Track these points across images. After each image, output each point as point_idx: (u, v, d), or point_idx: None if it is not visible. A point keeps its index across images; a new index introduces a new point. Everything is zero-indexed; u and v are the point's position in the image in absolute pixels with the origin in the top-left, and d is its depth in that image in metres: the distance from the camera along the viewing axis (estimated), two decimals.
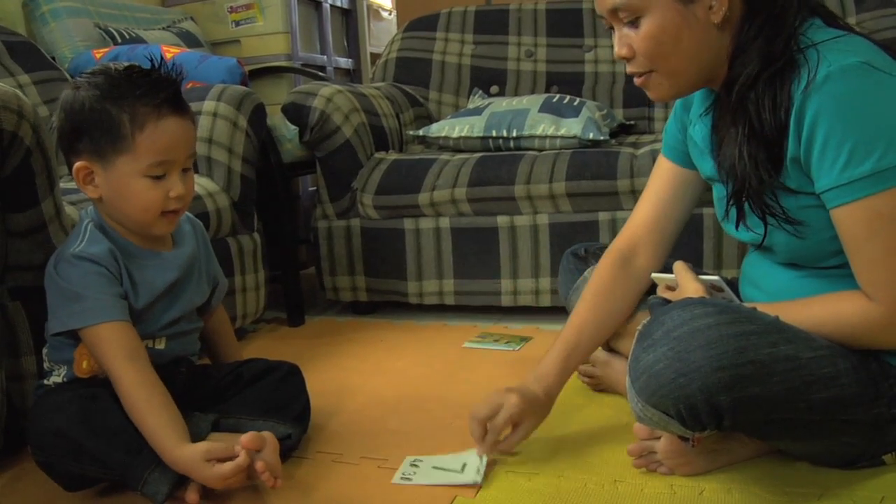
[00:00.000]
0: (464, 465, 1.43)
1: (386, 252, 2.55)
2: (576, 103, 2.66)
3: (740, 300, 1.41)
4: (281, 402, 1.52)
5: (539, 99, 2.71)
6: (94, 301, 1.35)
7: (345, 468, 1.50)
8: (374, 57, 4.26)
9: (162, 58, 1.47)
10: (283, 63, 3.46)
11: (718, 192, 1.39)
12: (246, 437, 1.30)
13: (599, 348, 1.76)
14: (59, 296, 1.37)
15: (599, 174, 2.31)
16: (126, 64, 1.42)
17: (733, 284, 1.58)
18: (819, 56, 1.13)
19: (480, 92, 3.18)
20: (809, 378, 1.15)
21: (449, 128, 2.74)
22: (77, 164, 1.38)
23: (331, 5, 3.91)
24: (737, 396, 1.11)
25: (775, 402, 1.14)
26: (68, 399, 1.35)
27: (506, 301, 2.47)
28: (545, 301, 2.42)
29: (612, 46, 3.20)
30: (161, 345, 1.47)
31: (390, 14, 4.85)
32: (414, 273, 2.53)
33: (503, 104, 2.74)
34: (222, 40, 3.52)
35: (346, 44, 4.17)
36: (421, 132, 2.83)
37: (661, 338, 1.14)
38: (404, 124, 2.96)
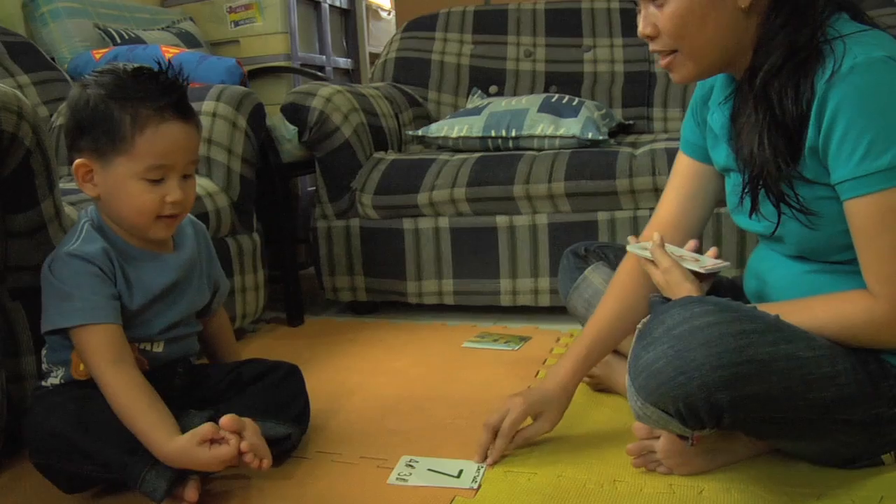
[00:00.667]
0: (461, 472, 1.43)
1: (385, 252, 2.55)
2: (575, 103, 2.67)
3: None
4: (280, 402, 1.52)
5: (538, 99, 2.71)
6: (84, 301, 1.34)
7: (344, 468, 1.50)
8: (373, 57, 4.26)
9: (170, 62, 1.46)
10: (283, 63, 3.46)
11: (732, 182, 1.39)
12: (225, 420, 1.29)
13: None
14: (51, 294, 1.37)
15: (598, 174, 2.31)
16: (135, 65, 1.41)
17: (734, 282, 1.58)
18: (845, 48, 1.13)
19: (479, 92, 3.18)
20: (809, 377, 1.15)
21: (448, 128, 2.74)
22: (77, 162, 1.38)
23: (330, 5, 3.91)
24: (736, 395, 1.11)
25: (775, 401, 1.14)
26: (64, 400, 1.35)
27: (505, 301, 2.47)
28: (544, 301, 2.43)
29: (611, 46, 3.22)
30: (159, 348, 1.47)
31: (389, 14, 4.85)
32: (413, 273, 2.53)
33: (502, 104, 2.74)
34: (221, 40, 3.52)
35: (345, 44, 4.17)
36: (420, 132, 2.84)
37: (661, 336, 1.14)
38: (403, 124, 2.96)
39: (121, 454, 1.29)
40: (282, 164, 2.59)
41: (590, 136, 2.52)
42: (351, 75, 4.17)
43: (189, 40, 3.21)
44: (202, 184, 2.12)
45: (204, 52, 3.10)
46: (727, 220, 2.21)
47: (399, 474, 1.44)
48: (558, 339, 2.24)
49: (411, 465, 1.47)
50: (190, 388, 1.53)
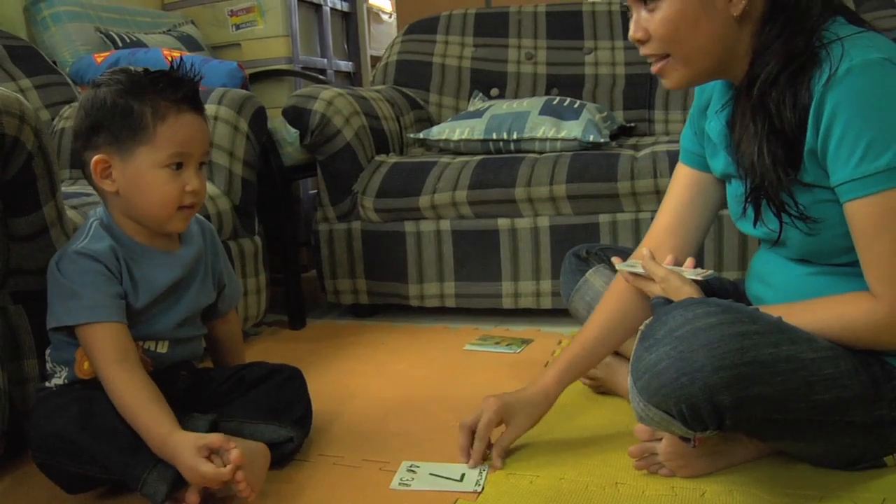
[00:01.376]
0: (463, 475, 1.43)
1: (387, 255, 2.55)
2: (576, 106, 2.67)
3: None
4: (282, 405, 1.52)
5: (539, 101, 2.71)
6: (90, 299, 1.35)
7: (346, 471, 1.50)
8: (375, 60, 4.26)
9: (181, 59, 1.49)
10: (284, 66, 3.46)
11: (734, 190, 1.39)
12: (236, 455, 1.26)
13: None
14: (57, 291, 1.38)
15: (600, 176, 2.31)
16: (144, 67, 1.44)
17: (736, 285, 1.58)
18: (843, 50, 1.13)
19: (481, 94, 3.19)
20: (811, 379, 1.15)
21: (449, 130, 2.75)
22: (95, 157, 1.39)
23: (331, 8, 3.91)
24: (738, 396, 1.11)
25: (777, 403, 1.15)
26: (67, 401, 1.35)
27: (507, 303, 2.47)
28: (546, 303, 2.43)
29: (612, 49, 3.22)
30: (163, 348, 1.47)
31: (390, 17, 4.86)
32: (415, 276, 2.53)
33: (503, 107, 2.74)
34: (223, 44, 3.53)
35: (346, 47, 4.18)
36: (421, 135, 2.84)
37: (664, 337, 1.14)
38: (405, 127, 2.96)
39: (122, 456, 1.29)
40: (283, 167, 2.59)
41: (591, 138, 2.52)
42: (352, 78, 4.17)
43: (190, 44, 3.21)
44: None
45: (205, 56, 3.10)
46: (729, 223, 2.21)
47: (401, 479, 1.44)
48: (560, 342, 2.24)
49: (413, 471, 1.47)
50: (193, 391, 1.53)
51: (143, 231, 1.45)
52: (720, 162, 1.40)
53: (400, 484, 1.43)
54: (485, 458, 1.47)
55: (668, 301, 1.29)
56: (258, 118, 2.30)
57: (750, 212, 1.31)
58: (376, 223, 2.55)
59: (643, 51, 1.29)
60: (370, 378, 2.04)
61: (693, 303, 1.17)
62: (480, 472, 1.43)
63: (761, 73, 1.21)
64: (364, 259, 2.58)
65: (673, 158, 2.07)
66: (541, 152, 2.57)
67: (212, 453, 1.26)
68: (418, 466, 1.48)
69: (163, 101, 1.38)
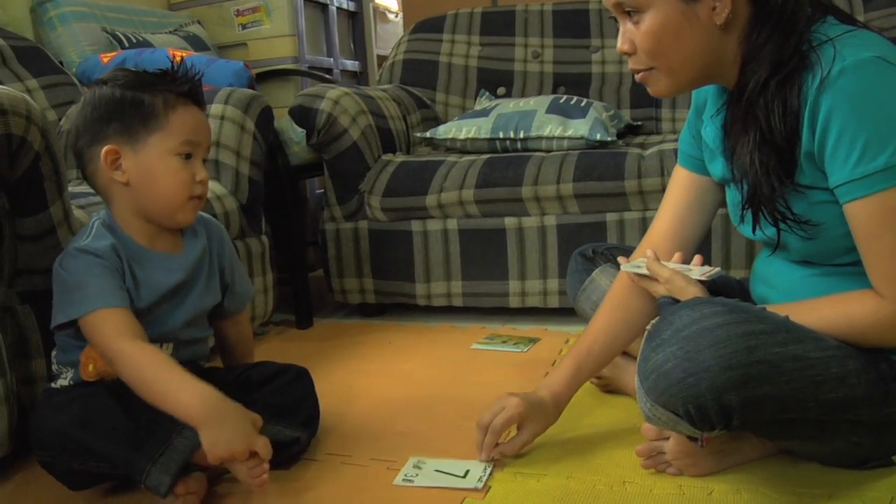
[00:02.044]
0: (467, 472, 1.43)
1: (394, 254, 2.55)
2: (583, 104, 2.66)
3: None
4: (290, 405, 1.52)
5: (546, 100, 2.71)
6: (96, 288, 1.35)
7: (353, 470, 1.50)
8: (381, 59, 4.27)
9: (182, 59, 1.52)
10: (290, 66, 3.46)
11: (732, 195, 1.39)
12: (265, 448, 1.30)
13: None
14: (62, 288, 1.38)
15: (607, 175, 2.30)
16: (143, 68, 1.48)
17: (742, 284, 1.58)
18: (835, 51, 1.12)
19: (487, 93, 3.18)
20: (819, 378, 1.14)
21: (456, 129, 2.74)
22: (106, 148, 1.40)
23: (337, 8, 3.91)
24: (746, 396, 1.11)
25: (784, 402, 1.14)
26: (68, 399, 1.36)
27: (514, 302, 2.47)
28: (553, 302, 2.42)
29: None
30: (168, 351, 1.47)
31: (396, 16, 4.85)
32: (422, 275, 2.53)
33: (510, 105, 2.74)
34: (229, 43, 3.53)
35: (352, 46, 4.18)
36: (428, 134, 2.84)
37: (671, 337, 1.13)
38: (411, 126, 2.96)
39: (125, 450, 1.29)
40: (290, 166, 2.59)
41: (598, 137, 2.52)
42: (359, 77, 4.17)
43: (197, 43, 3.21)
44: (211, 187, 2.11)
45: (212, 56, 3.10)
46: None
47: (406, 475, 1.44)
48: (567, 341, 2.23)
49: (418, 467, 1.47)
50: None
51: (145, 233, 1.46)
52: (718, 167, 1.40)
53: (404, 480, 1.43)
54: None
55: (675, 301, 1.29)
56: (265, 117, 2.30)
57: (748, 218, 1.30)
58: (383, 222, 2.55)
59: (630, 64, 1.29)
60: (377, 377, 2.04)
61: (699, 302, 1.17)
62: (485, 470, 1.43)
63: (750, 81, 1.21)
64: (371, 258, 2.59)
65: None
66: (548, 151, 2.57)
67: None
68: (424, 462, 1.48)
69: (171, 94, 1.42)
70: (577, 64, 3.21)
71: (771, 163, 1.20)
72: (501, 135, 2.65)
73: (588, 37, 3.24)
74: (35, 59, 2.59)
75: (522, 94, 3.17)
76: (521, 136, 2.62)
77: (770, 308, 1.22)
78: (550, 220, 2.38)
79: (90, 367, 1.41)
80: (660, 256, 1.41)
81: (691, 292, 1.31)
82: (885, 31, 2.54)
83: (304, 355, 2.15)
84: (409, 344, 2.33)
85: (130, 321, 1.36)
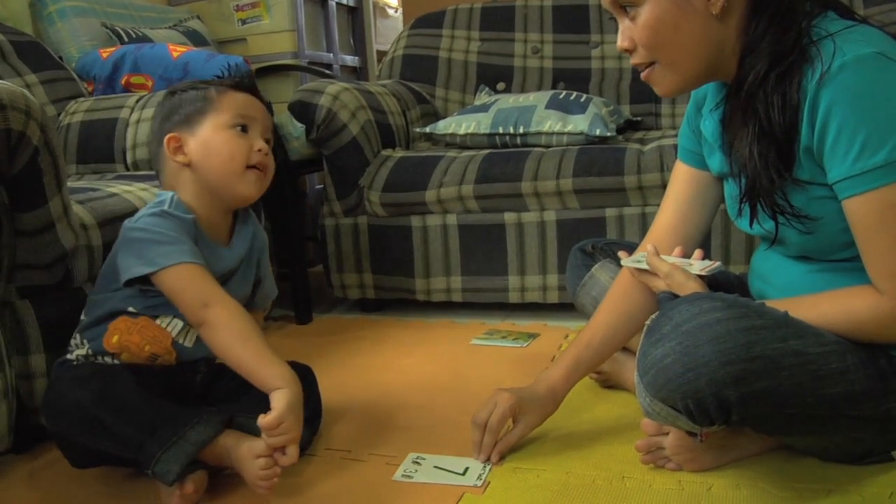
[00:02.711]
0: (466, 469, 1.44)
1: (393, 249, 2.55)
2: (582, 99, 2.66)
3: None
4: None
5: (546, 95, 2.71)
6: (189, 245, 1.40)
7: (353, 465, 1.50)
8: (381, 54, 4.27)
9: (236, 65, 1.67)
10: (290, 61, 3.46)
11: (730, 189, 1.39)
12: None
13: None
14: (147, 242, 1.39)
15: (606, 170, 2.30)
16: None
17: (741, 279, 1.58)
18: (835, 46, 1.12)
19: (487, 89, 3.18)
20: (818, 373, 1.14)
21: (456, 125, 2.74)
22: (168, 136, 1.49)
23: (337, 3, 3.91)
24: (745, 391, 1.11)
25: (784, 397, 1.14)
26: (90, 374, 1.38)
27: (513, 298, 2.47)
28: (552, 297, 2.42)
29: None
30: (190, 342, 1.47)
31: (396, 11, 4.85)
32: (421, 270, 2.53)
33: (510, 101, 2.74)
34: (229, 39, 3.53)
35: (352, 41, 4.18)
36: (428, 129, 2.83)
37: (670, 332, 1.13)
38: (411, 121, 2.96)
39: (139, 433, 1.30)
40: (289, 161, 2.59)
41: (598, 132, 2.52)
42: (358, 73, 4.17)
43: (196, 39, 3.21)
44: None
45: (211, 51, 3.10)
46: None
47: (405, 471, 1.44)
48: (567, 336, 2.24)
49: (417, 462, 1.47)
50: (208, 385, 1.54)
51: (207, 218, 1.49)
52: (716, 161, 1.39)
53: (403, 476, 1.43)
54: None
55: (674, 296, 1.29)
56: None
57: (746, 211, 1.30)
58: (383, 217, 2.55)
59: (632, 60, 1.28)
60: (377, 372, 2.04)
61: (699, 297, 1.16)
62: (484, 467, 1.43)
63: (749, 74, 1.20)
64: (370, 253, 2.59)
65: None
66: (547, 146, 2.57)
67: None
68: (424, 458, 1.49)
69: (223, 86, 1.53)
70: (577, 59, 3.21)
71: (770, 155, 1.19)
72: (501, 130, 2.65)
73: (588, 32, 3.24)
74: (34, 54, 2.59)
75: (522, 90, 3.17)
76: (521, 131, 2.61)
77: (768, 304, 1.22)
78: (550, 216, 2.38)
79: (114, 339, 1.43)
80: (662, 252, 1.41)
81: (691, 287, 1.31)
82: (886, 26, 2.53)
83: (303, 350, 2.15)
84: (409, 339, 2.33)
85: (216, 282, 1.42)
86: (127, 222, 1.44)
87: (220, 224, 1.53)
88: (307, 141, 2.59)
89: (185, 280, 1.38)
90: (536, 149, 2.51)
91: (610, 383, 1.79)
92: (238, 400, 1.52)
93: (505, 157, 2.46)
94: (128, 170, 2.37)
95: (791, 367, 1.12)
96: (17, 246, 1.50)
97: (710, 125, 1.38)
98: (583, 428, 1.60)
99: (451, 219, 2.47)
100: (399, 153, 2.64)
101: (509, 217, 2.42)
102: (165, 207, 1.43)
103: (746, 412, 1.14)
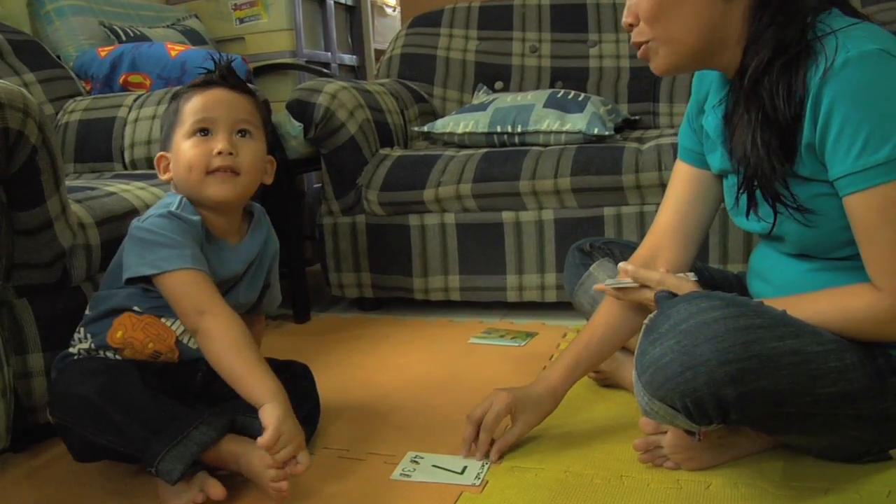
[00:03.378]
0: (464, 468, 1.44)
1: (391, 248, 2.55)
2: (580, 98, 2.66)
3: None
4: (291, 401, 1.52)
5: (544, 94, 2.71)
6: (192, 251, 1.40)
7: (351, 464, 1.50)
8: (379, 53, 4.27)
9: (225, 56, 1.65)
10: (288, 60, 3.46)
11: (729, 184, 1.39)
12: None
13: None
14: (151, 243, 1.40)
15: (604, 169, 2.30)
16: None
17: (739, 278, 1.58)
18: (837, 42, 1.12)
19: (485, 88, 3.18)
20: (816, 372, 1.14)
21: (454, 124, 2.74)
22: (158, 155, 1.52)
23: (335, 2, 3.91)
24: (743, 390, 1.11)
25: (782, 396, 1.14)
26: (98, 368, 1.39)
27: (511, 297, 2.47)
28: (550, 296, 2.43)
29: (616, 41, 3.21)
30: (193, 343, 1.47)
31: (394, 10, 4.85)
32: (419, 269, 2.53)
33: (508, 100, 2.74)
34: (227, 37, 3.53)
35: (350, 40, 4.17)
36: (426, 128, 2.83)
37: (668, 331, 1.13)
38: (409, 120, 2.96)
39: (144, 430, 1.30)
40: (287, 160, 2.58)
41: (595, 131, 2.52)
42: (356, 72, 4.17)
43: (194, 37, 3.21)
44: None
45: (209, 50, 3.10)
46: None
47: (403, 470, 1.44)
48: (564, 335, 2.24)
49: (416, 462, 1.47)
50: (208, 384, 1.54)
51: (212, 221, 1.50)
52: (717, 158, 1.39)
53: (401, 475, 1.43)
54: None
55: (672, 295, 1.29)
56: (262, 112, 2.29)
57: (743, 203, 1.30)
58: (381, 216, 2.55)
59: (633, 37, 1.28)
60: (375, 371, 2.04)
61: (697, 296, 1.16)
62: (482, 466, 1.43)
63: (753, 62, 1.20)
64: (368, 252, 2.58)
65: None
66: (545, 145, 2.57)
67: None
68: (422, 458, 1.49)
69: (193, 89, 1.50)
70: (575, 58, 3.21)
71: (772, 144, 1.19)
72: (499, 129, 2.65)
73: (586, 31, 3.24)
74: (32, 53, 2.59)
75: (520, 89, 3.17)
76: (519, 130, 2.61)
77: (766, 302, 1.22)
78: (548, 215, 2.38)
79: (118, 334, 1.44)
80: (662, 251, 1.43)
81: (687, 287, 1.31)
82: (884, 25, 2.54)
83: (301, 349, 2.15)
84: (407, 338, 2.33)
85: (217, 290, 1.42)
86: (135, 221, 1.45)
87: (226, 225, 1.53)
88: (305, 140, 2.58)
89: (184, 286, 1.38)
90: (534, 148, 2.51)
91: (608, 382, 1.79)
92: (237, 398, 1.52)
93: (503, 156, 2.46)
94: (126, 169, 2.37)
95: (789, 366, 1.12)
96: (15, 245, 1.50)
97: (712, 121, 1.38)
98: (581, 427, 1.60)
99: (449, 218, 2.47)
100: (397, 152, 2.64)
101: (507, 216, 2.42)
102: (173, 209, 1.43)
103: (745, 411, 1.14)
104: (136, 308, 1.44)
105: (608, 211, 2.34)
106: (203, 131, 1.46)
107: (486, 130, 2.67)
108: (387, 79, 3.23)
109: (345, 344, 2.30)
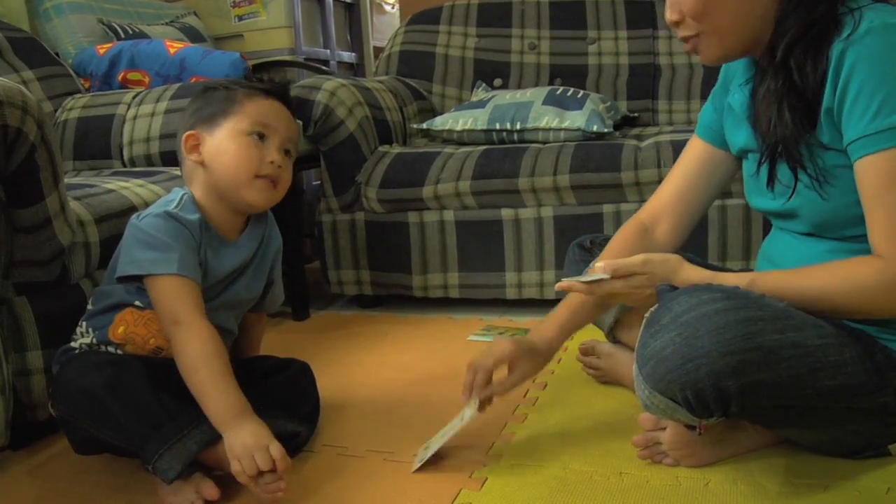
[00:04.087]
0: (462, 416, 1.46)
1: (390, 246, 2.55)
2: (580, 96, 2.66)
3: None
4: (291, 399, 1.53)
5: (543, 91, 2.71)
6: (181, 255, 1.39)
7: (351, 461, 1.50)
8: (378, 51, 4.26)
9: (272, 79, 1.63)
10: (287, 57, 3.46)
11: (749, 166, 1.40)
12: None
13: (605, 340, 1.76)
14: (143, 243, 1.40)
15: (603, 166, 2.30)
16: None
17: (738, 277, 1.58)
18: (862, 15, 1.14)
19: (484, 85, 3.18)
20: (816, 365, 1.15)
21: (453, 121, 2.74)
22: (186, 133, 1.50)
23: None
24: (744, 382, 1.11)
25: (782, 389, 1.14)
26: (102, 362, 1.38)
27: (510, 294, 2.47)
28: (550, 294, 2.42)
29: (615, 39, 3.22)
30: None
31: (393, 7, 4.85)
32: (418, 266, 2.53)
33: (507, 97, 2.74)
34: (225, 35, 3.53)
35: (349, 38, 4.17)
36: (425, 125, 2.83)
37: (669, 323, 1.13)
38: (408, 118, 2.96)
39: (144, 427, 1.30)
40: None
41: (595, 128, 2.52)
42: (355, 69, 4.17)
43: (193, 35, 3.21)
44: None
45: (208, 47, 3.10)
46: (733, 213, 2.21)
47: (420, 458, 1.45)
48: None
49: (427, 447, 1.48)
50: None
51: (217, 216, 1.50)
52: (741, 135, 1.40)
53: (419, 462, 1.44)
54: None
55: (673, 287, 1.29)
56: None
57: (763, 176, 1.31)
58: (380, 214, 2.55)
59: (680, 33, 1.29)
60: (374, 369, 2.04)
61: (698, 289, 1.17)
62: (472, 405, 1.45)
63: (784, 37, 1.22)
64: (368, 250, 2.58)
65: (677, 148, 2.07)
66: (544, 142, 2.57)
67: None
68: (429, 440, 1.50)
69: (252, 89, 1.51)
70: (574, 55, 3.21)
71: (798, 109, 1.21)
72: (498, 126, 2.64)
73: (584, 28, 3.24)
74: (31, 51, 2.59)
75: (519, 86, 3.17)
76: (518, 127, 2.61)
77: (769, 275, 1.22)
78: (547, 212, 2.38)
79: (120, 329, 1.44)
80: (662, 219, 1.50)
81: (673, 262, 1.30)
82: None
83: (300, 347, 2.15)
84: (406, 335, 2.33)
85: (201, 299, 1.41)
86: (134, 217, 1.45)
87: (229, 223, 1.53)
88: (304, 137, 2.58)
89: (164, 291, 1.38)
90: (533, 145, 2.51)
91: (607, 379, 1.79)
92: None
93: (502, 153, 2.45)
94: (125, 166, 2.37)
95: (790, 358, 1.13)
96: (13, 242, 1.50)
97: (738, 97, 1.39)
98: (580, 424, 1.60)
99: (449, 215, 2.47)
100: (396, 149, 2.64)
101: (506, 213, 2.42)
102: (172, 208, 1.43)
103: (745, 403, 1.14)
104: (137, 303, 1.45)
105: (607, 208, 2.34)
106: (261, 136, 1.47)
107: (485, 128, 2.67)
108: (386, 76, 3.23)
109: (344, 341, 2.30)
